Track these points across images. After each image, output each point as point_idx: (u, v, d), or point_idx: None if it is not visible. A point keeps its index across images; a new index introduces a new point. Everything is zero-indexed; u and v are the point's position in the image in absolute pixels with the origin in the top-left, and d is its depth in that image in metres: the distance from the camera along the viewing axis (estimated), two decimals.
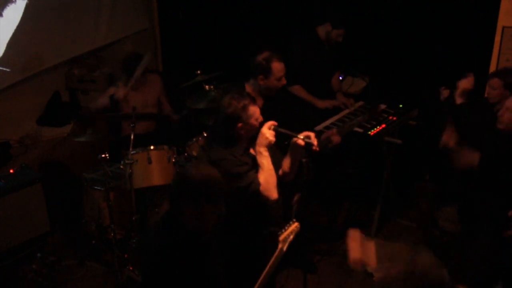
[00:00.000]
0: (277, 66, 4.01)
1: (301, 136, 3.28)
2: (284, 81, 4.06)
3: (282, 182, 3.45)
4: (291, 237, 2.98)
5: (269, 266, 2.86)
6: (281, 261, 2.96)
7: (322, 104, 5.00)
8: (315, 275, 4.47)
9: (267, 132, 3.22)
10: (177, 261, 2.60)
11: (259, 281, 2.82)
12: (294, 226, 3.02)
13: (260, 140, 3.22)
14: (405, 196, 5.36)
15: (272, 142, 3.23)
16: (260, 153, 3.21)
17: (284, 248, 2.94)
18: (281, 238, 2.94)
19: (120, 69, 5.16)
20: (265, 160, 3.20)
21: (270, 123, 3.25)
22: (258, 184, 3.17)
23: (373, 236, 4.92)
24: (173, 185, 2.80)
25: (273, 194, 3.20)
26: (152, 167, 4.31)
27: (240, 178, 3.17)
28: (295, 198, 4.13)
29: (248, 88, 4.10)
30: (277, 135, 3.27)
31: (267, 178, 3.19)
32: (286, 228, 2.99)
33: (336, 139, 4.29)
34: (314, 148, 3.25)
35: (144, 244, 2.80)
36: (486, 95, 4.30)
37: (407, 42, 5.40)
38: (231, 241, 3.35)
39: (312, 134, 3.30)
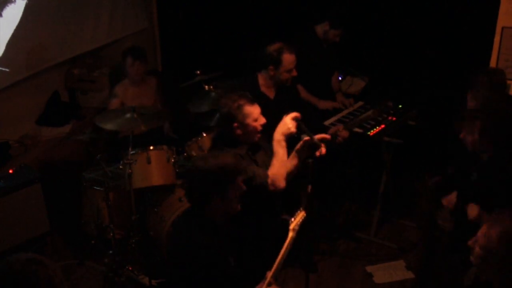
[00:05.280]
0: (288, 58, 4.02)
1: (317, 137, 3.29)
2: (295, 73, 4.07)
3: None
4: (300, 226, 3.01)
5: (283, 253, 2.88)
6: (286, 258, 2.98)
7: (322, 105, 5.00)
8: (315, 274, 4.47)
9: (289, 122, 3.22)
10: (207, 254, 2.69)
11: (273, 268, 2.84)
12: (301, 214, 3.04)
13: (280, 128, 3.23)
14: (405, 196, 5.36)
15: (292, 132, 3.24)
16: (278, 141, 3.22)
17: (294, 237, 2.96)
18: (291, 226, 2.96)
19: (120, 69, 5.19)
20: (281, 150, 3.22)
21: (294, 114, 3.26)
22: (261, 177, 3.17)
23: (373, 236, 4.93)
24: (191, 183, 2.85)
25: (282, 183, 3.22)
26: (151, 167, 4.30)
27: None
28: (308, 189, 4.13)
29: (261, 78, 4.11)
30: (298, 128, 3.27)
31: (279, 167, 3.20)
32: (295, 217, 3.02)
33: (344, 133, 4.30)
34: (321, 151, 3.25)
35: (174, 243, 2.90)
36: None
37: (407, 42, 5.40)
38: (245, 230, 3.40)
39: (328, 137, 3.31)
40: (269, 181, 3.20)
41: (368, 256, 4.74)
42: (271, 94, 4.13)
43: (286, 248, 2.89)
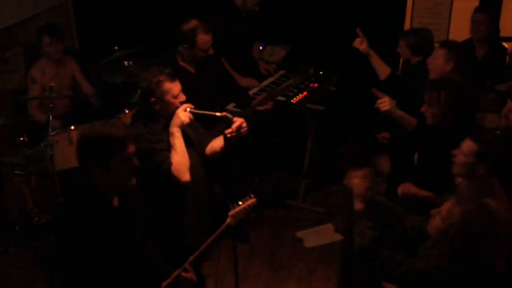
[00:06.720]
0: (203, 39, 3.98)
1: (219, 114, 3.25)
2: (211, 51, 4.03)
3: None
4: (245, 213, 2.97)
5: (211, 238, 2.85)
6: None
7: (243, 82, 4.99)
8: (247, 244, 4.53)
9: (182, 113, 3.16)
10: (93, 226, 2.48)
11: (196, 253, 2.80)
12: (250, 202, 2.99)
13: (173, 121, 3.16)
14: (330, 161, 5.48)
15: (185, 123, 3.18)
16: (173, 133, 3.15)
17: (233, 223, 2.92)
18: (231, 213, 2.91)
19: (35, 48, 5.00)
20: (177, 141, 3.14)
21: (186, 105, 3.20)
22: (170, 163, 3.12)
23: (302, 203, 5.03)
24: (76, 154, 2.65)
25: (184, 175, 3.13)
26: (74, 148, 4.19)
27: (153, 155, 3.11)
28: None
29: (178, 54, 4.06)
30: (195, 116, 3.22)
31: (179, 159, 3.12)
32: (240, 203, 2.96)
33: (268, 105, 4.34)
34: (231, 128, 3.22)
35: (58, 216, 2.71)
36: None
37: (324, 8, 5.46)
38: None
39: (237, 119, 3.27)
40: (172, 172, 3.15)
41: (297, 222, 4.85)
42: (191, 69, 4.09)
43: (218, 234, 2.85)
